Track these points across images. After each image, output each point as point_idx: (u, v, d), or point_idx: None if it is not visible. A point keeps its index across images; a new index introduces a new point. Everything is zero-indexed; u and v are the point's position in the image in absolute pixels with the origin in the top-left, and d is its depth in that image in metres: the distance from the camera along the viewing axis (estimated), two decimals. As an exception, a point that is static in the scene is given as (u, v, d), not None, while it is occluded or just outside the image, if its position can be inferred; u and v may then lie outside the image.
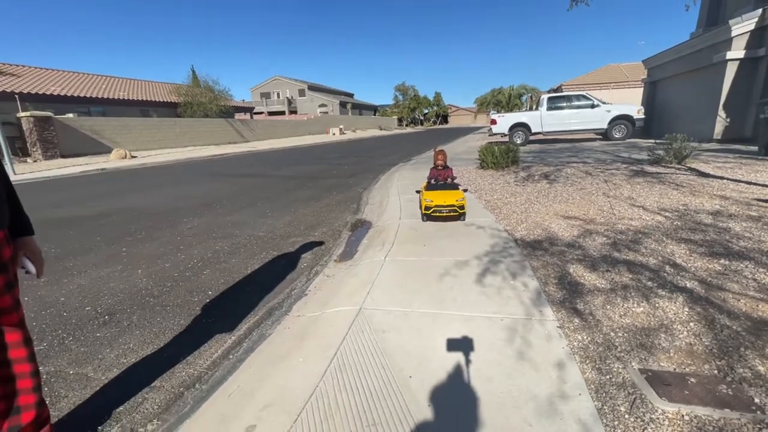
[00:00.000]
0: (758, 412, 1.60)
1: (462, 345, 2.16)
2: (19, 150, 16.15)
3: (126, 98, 24.59)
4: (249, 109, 38.11)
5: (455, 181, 5.20)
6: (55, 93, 20.56)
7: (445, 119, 78.76)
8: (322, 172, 10.92)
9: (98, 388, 2.03)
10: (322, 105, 52.78)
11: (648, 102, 16.25)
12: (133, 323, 2.70)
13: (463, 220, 4.55)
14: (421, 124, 75.33)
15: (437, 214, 4.43)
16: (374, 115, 66.84)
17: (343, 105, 54.95)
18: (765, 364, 1.88)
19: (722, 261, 3.02)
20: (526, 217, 4.65)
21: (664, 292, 2.61)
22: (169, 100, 27.24)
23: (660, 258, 3.17)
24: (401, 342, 2.23)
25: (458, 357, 2.05)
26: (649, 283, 2.75)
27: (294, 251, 4.17)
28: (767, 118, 7.64)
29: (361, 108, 63.13)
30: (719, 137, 11.06)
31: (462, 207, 4.43)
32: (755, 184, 5.53)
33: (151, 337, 2.52)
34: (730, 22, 10.52)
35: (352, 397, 1.81)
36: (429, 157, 13.78)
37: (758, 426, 1.53)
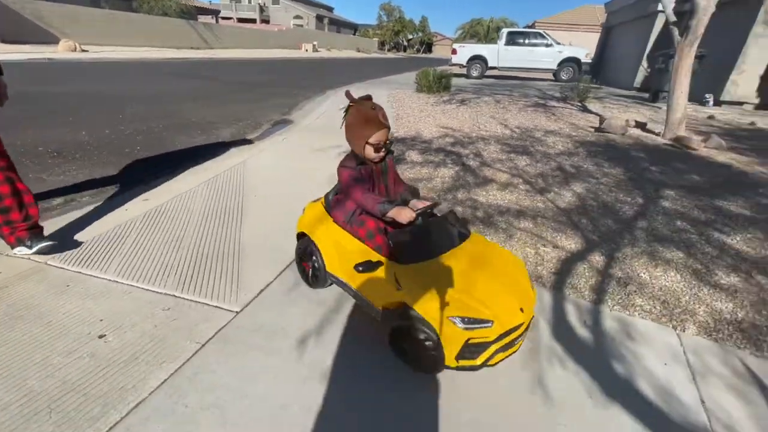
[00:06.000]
0: (432, 207, 2.93)
1: (278, 174, 3.38)
2: (-46, 29, 15.09)
3: (72, -17, 22.30)
4: (214, 12, 35.29)
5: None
6: (-12, -33, 18.45)
7: (429, 48, 75.29)
8: (276, 82, 11.39)
9: (50, 186, 3.14)
10: (297, 17, 49.11)
11: (601, 47, 16.93)
12: (76, 158, 3.74)
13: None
14: (405, 50, 71.84)
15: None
16: (354, 34, 62.91)
17: (319, 19, 51.29)
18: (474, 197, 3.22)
19: (510, 155, 4.33)
20: (413, 125, 5.78)
21: (450, 164, 3.90)
22: (122, -9, 24.90)
23: (472, 150, 4.44)
24: (259, 178, 3.43)
25: (278, 181, 3.28)
26: (448, 161, 4.03)
27: (216, 132, 5.16)
28: (659, 69, 8.79)
29: (339, 25, 59.12)
30: (638, 86, 12.25)
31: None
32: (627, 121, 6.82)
33: (88, 167, 3.59)
34: (672, -28, 11.06)
35: (212, 200, 3.02)
36: (388, 81, 14.18)
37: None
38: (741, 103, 8.90)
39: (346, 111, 1.61)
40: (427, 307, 1.33)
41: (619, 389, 1.47)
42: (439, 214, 1.74)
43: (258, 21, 47.50)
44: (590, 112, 7.48)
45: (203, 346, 1.49)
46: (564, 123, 6.25)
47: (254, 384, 1.35)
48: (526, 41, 15.58)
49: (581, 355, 1.63)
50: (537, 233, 2.63)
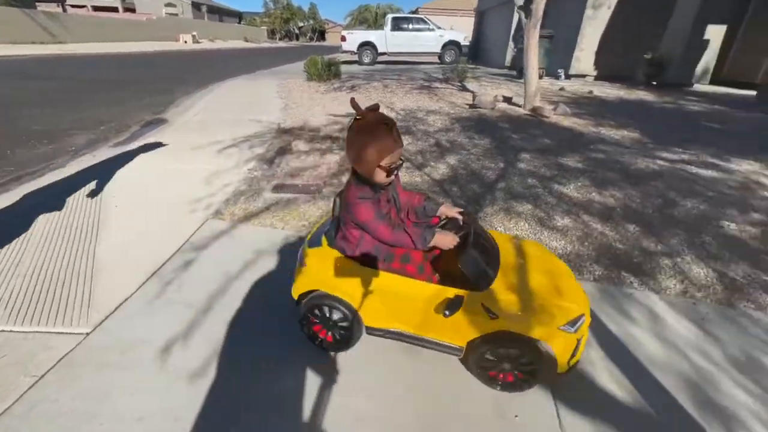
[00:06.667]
0: (317, 193, 2.97)
1: (146, 179, 3.12)
2: None
3: None
4: (59, 0, 29.73)
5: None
6: None
7: (322, 35, 73.87)
8: (149, 79, 10.13)
9: None
10: (169, 4, 43.90)
11: (476, 30, 18.47)
12: None
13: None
14: (297, 39, 69.39)
15: None
16: (239, 23, 58.74)
17: (196, 7, 46.60)
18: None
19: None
20: (301, 115, 5.69)
21: (336, 150, 3.96)
22: None
23: (359, 135, 4.56)
24: (122, 185, 3.07)
25: (146, 186, 3.01)
26: (335, 147, 4.08)
27: (69, 140, 4.45)
28: (520, 48, 9.92)
29: (221, 13, 54.51)
30: (509, 65, 13.77)
31: None
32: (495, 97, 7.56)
33: None
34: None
35: (61, 216, 2.62)
36: (279, 71, 13.57)
37: (309, 201, 2.89)
38: (584, 76, 10.58)
39: (351, 126, 1.29)
40: (534, 327, 1.28)
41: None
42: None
43: (120, 9, 41.36)
44: (468, 90, 8.18)
45: (41, 377, 1.33)
46: (444, 102, 6.75)
47: (106, 403, 1.26)
48: (411, 26, 16.25)
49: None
50: (413, 205, 2.84)
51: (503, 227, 2.58)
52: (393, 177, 1.34)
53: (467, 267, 1.32)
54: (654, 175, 3.46)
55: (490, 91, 7.81)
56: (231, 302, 1.74)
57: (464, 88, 8.45)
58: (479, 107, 6.05)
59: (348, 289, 1.40)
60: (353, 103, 1.28)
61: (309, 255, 1.48)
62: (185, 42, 31.82)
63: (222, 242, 2.26)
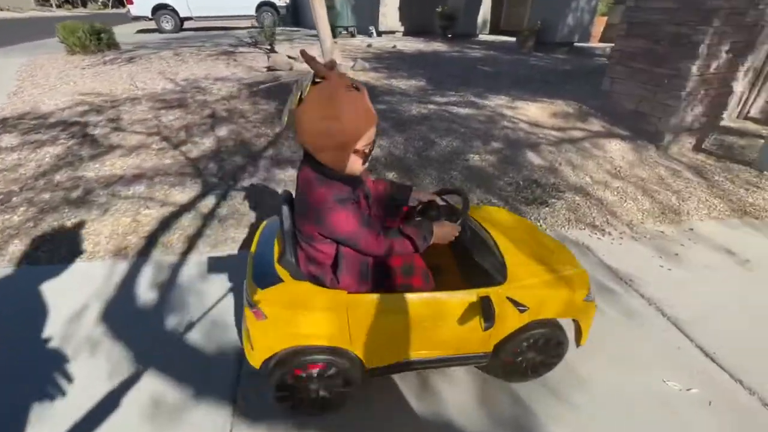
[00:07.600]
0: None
1: None
2: None
3: None
4: None
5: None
6: None
7: (121, 2, 60.47)
8: None
9: None
10: None
11: (294, -10, 17.44)
12: None
13: None
14: (85, 6, 55.10)
15: None
16: (-16, -15, 43.07)
17: None
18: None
19: (160, 111, 3.75)
20: (35, 98, 4.29)
21: (62, 140, 3.02)
22: None
23: (110, 116, 3.63)
24: None
25: None
26: (62, 136, 3.12)
27: None
28: (330, 7, 9.61)
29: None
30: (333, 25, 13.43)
31: None
32: (289, 56, 7.08)
33: None
34: None
35: None
36: (39, 46, 10.37)
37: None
38: (393, 32, 10.96)
39: (305, 97, 0.87)
40: (565, 308, 1.16)
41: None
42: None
43: None
44: (276, 53, 7.55)
45: None
46: (242, 67, 6.03)
47: None
48: (214, -15, 14.27)
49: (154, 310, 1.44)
50: (147, 196, 2.30)
51: (259, 199, 2.28)
52: (367, 164, 0.99)
53: (485, 259, 1.15)
54: (422, 119, 3.62)
55: (298, 53, 7.36)
56: None
57: (272, 51, 7.78)
58: (276, 69, 5.58)
59: (336, 331, 1.03)
60: (306, 57, 0.88)
61: (264, 300, 1.01)
62: None
63: None
